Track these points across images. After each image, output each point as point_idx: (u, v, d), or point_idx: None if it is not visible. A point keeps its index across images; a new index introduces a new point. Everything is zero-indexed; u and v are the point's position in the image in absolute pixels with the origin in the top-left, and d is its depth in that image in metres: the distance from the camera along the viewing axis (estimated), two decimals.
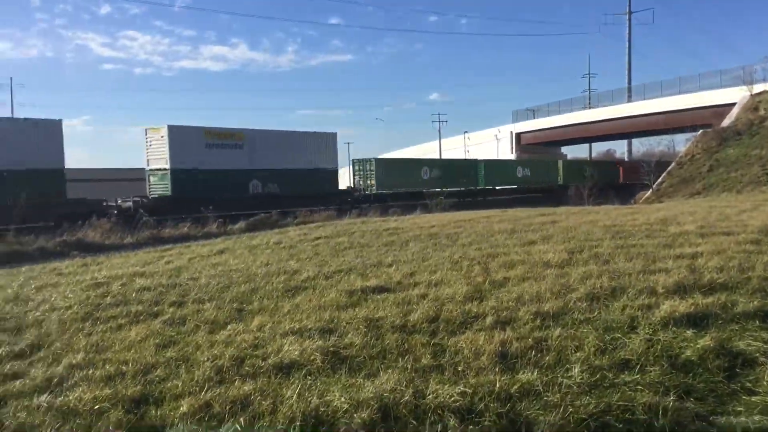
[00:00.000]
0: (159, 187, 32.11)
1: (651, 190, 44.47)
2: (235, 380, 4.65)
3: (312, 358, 5.08)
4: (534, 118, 76.19)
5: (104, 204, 30.23)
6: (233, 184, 33.24)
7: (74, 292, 8.57)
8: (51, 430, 3.90)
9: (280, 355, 5.17)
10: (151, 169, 32.40)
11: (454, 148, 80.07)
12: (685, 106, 54.13)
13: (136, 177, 37.07)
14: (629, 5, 75.51)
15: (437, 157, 71.64)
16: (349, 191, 41.51)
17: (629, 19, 75.61)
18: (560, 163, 59.34)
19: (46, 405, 4.27)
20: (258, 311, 6.88)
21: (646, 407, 4.27)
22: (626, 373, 4.87)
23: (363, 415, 3.99)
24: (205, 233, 25.60)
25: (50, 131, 28.14)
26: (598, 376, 4.79)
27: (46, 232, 23.11)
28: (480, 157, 57.62)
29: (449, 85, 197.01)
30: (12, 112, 68.25)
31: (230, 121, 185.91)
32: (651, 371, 4.90)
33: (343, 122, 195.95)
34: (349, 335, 5.72)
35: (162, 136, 31.29)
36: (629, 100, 65.71)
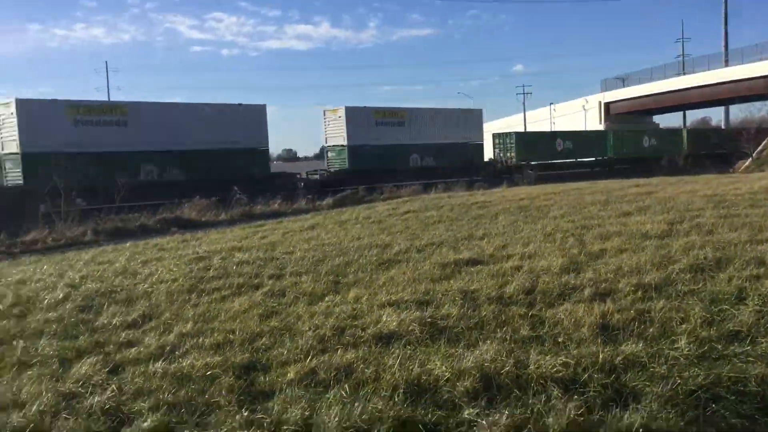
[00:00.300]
0: (337, 162, 35.64)
1: (750, 158, 42.27)
2: (338, 349, 4.77)
3: (410, 328, 5.14)
4: (624, 86, 73.05)
5: (297, 176, 34.72)
6: (397, 157, 35.62)
7: (178, 265, 8.96)
8: (167, 394, 4.12)
9: (378, 326, 5.26)
10: (329, 146, 36.00)
11: (539, 120, 78.19)
12: None
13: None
14: None
15: (522, 129, 70.22)
16: (492, 163, 42.22)
17: None
18: (684, 132, 57.11)
19: (161, 371, 4.51)
20: (353, 284, 7.01)
21: (759, 379, 4.10)
22: (736, 344, 4.69)
23: (465, 383, 4.01)
24: (294, 209, 26.11)
25: (256, 114, 31.64)
26: (706, 347, 4.63)
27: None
28: (564, 129, 56.22)
29: (534, 57, 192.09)
30: (108, 96, 71.31)
31: (316, 98, 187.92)
32: (763, 342, 4.70)
33: (425, 97, 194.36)
34: (446, 307, 5.75)
35: (339, 117, 34.79)
36: (726, 64, 61.88)
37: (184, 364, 4.65)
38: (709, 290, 5.89)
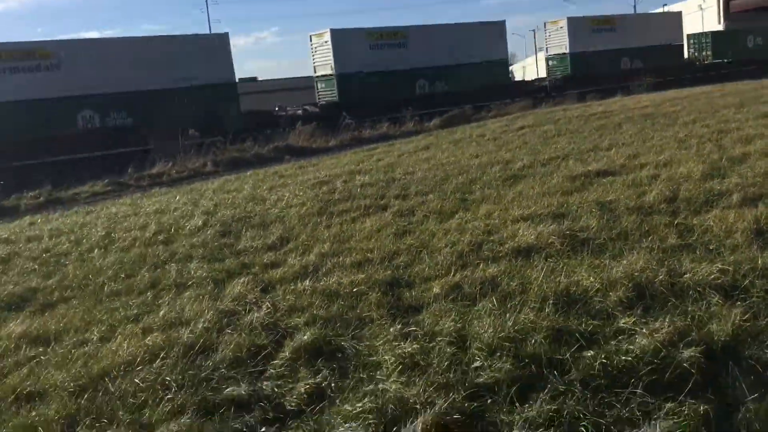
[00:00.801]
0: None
1: None
2: (478, 263, 4.76)
3: (550, 241, 5.04)
4: None
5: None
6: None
7: (303, 190, 9.18)
8: (320, 310, 4.27)
9: (516, 240, 5.19)
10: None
11: None
12: None
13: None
14: None
15: None
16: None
17: None
18: None
19: (310, 289, 4.67)
20: (482, 200, 6.94)
21: None
22: None
23: (618, 293, 3.91)
24: (402, 132, 26.06)
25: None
26: None
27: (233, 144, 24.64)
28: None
29: None
30: (209, 28, 72.81)
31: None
32: None
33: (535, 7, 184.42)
34: (583, 219, 5.60)
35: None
36: None
37: (330, 281, 4.79)
38: None
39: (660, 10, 73.62)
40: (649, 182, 6.65)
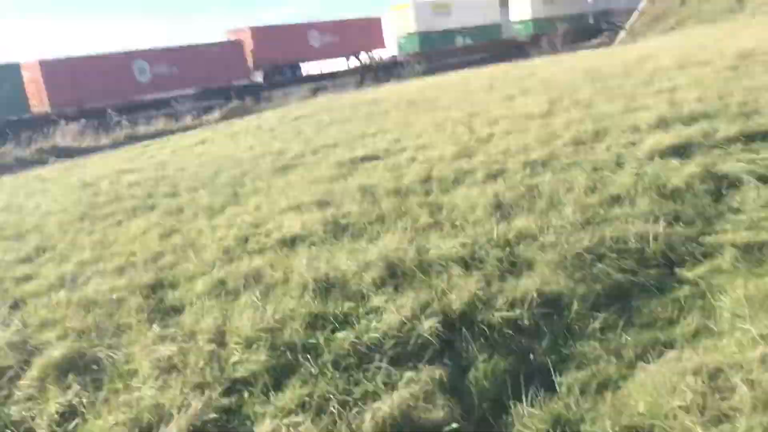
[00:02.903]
0: None
1: (624, 31, 43.63)
2: (243, 257, 4.80)
3: (314, 229, 5.22)
4: None
5: None
6: None
7: (64, 195, 8.60)
8: (74, 321, 4.06)
9: (282, 231, 5.30)
10: None
11: None
12: None
13: None
14: None
15: None
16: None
17: None
18: None
19: (64, 300, 4.42)
20: (253, 192, 6.98)
21: (638, 236, 4.46)
22: (617, 207, 5.05)
23: (372, 274, 4.16)
24: (180, 127, 25.26)
25: None
26: (590, 213, 4.97)
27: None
28: None
29: None
30: None
31: None
32: (641, 202, 5.08)
33: None
34: (346, 204, 5.84)
35: None
36: None
37: (88, 290, 4.56)
38: (590, 160, 6.25)
39: None
40: (408, 164, 7.10)
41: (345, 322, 3.59)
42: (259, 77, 35.08)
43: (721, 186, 5.27)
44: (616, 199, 5.20)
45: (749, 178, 5.26)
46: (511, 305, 3.66)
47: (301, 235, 5.17)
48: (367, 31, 41.63)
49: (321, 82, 33.63)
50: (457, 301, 3.67)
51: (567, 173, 5.96)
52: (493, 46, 43.95)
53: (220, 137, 13.60)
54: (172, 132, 22.61)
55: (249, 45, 33.97)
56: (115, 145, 21.18)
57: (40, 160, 19.98)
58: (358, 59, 40.55)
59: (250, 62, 34.20)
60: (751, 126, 6.56)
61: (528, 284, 3.80)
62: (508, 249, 4.45)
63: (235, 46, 33.59)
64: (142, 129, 24.76)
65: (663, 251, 4.33)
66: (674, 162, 5.78)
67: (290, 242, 5.08)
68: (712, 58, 11.96)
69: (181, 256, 5.10)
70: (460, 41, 43.33)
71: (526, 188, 5.65)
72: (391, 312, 3.56)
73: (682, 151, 6.10)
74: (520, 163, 6.41)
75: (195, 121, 26.11)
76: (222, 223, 5.90)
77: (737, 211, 4.90)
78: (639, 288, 3.92)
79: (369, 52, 41.24)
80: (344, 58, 39.97)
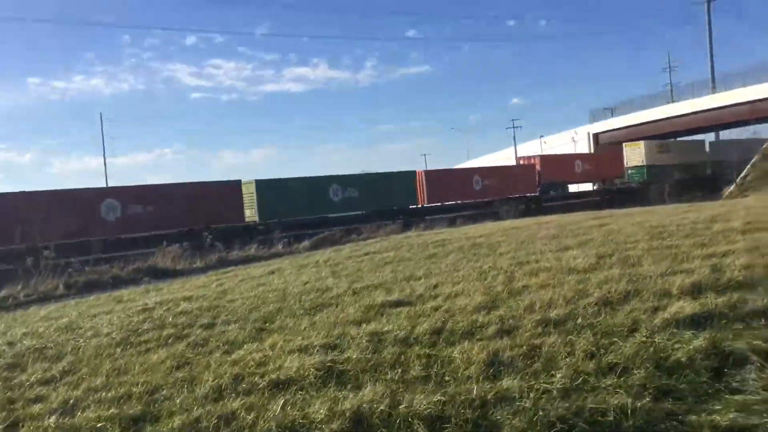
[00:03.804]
0: None
1: (734, 184, 42.65)
2: (228, 398, 4.97)
3: (306, 373, 5.35)
4: (612, 116, 73.81)
5: None
6: None
7: (120, 318, 9.16)
8: None
9: (278, 373, 5.46)
10: None
11: (530, 153, 79.19)
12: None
13: None
14: None
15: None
16: None
17: (708, 8, 72.19)
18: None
19: (53, 425, 4.70)
20: (278, 330, 7.22)
21: (618, 408, 4.34)
22: (611, 376, 4.93)
23: (337, 425, 4.23)
24: (271, 254, 26.33)
25: None
26: (580, 380, 4.88)
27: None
28: None
29: (529, 90, 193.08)
30: (103, 146, 72.46)
31: (310, 139, 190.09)
32: (635, 374, 4.94)
33: (424, 134, 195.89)
34: (351, 350, 5.97)
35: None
36: (713, 90, 62.82)
37: (77, 418, 4.84)
38: (606, 323, 6.14)
39: (537, 140, 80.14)
40: (430, 313, 7.16)
41: None
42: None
43: (727, 364, 5.06)
44: (612, 368, 5.09)
45: (756, 357, 5.04)
46: None
47: (294, 378, 5.31)
48: (614, 162, 56.02)
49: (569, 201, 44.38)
50: None
51: (578, 335, 5.87)
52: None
53: (289, 268, 14.14)
54: (262, 258, 23.67)
55: (537, 168, 50.79)
56: (207, 268, 22.32)
57: (134, 279, 21.38)
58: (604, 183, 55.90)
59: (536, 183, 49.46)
60: None
61: None
62: (480, 411, 4.42)
63: (530, 168, 50.44)
64: (235, 253, 26.09)
65: (640, 427, 4.18)
66: (688, 333, 5.61)
67: (283, 385, 5.22)
68: None
69: (178, 390, 5.33)
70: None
71: (528, 348, 5.61)
72: None
73: (701, 321, 5.91)
74: (536, 321, 6.37)
75: (285, 248, 27.29)
76: (233, 359, 6.13)
77: (736, 391, 4.68)
78: None
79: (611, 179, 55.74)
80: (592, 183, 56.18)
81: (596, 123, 74.39)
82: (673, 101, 67.00)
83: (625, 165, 56.05)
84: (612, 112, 75.34)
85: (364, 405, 4.52)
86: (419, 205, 41.89)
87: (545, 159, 54.18)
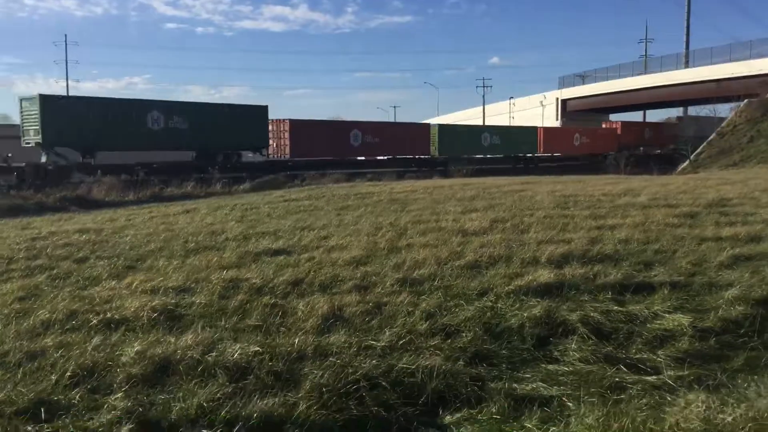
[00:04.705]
0: None
1: (688, 160, 43.33)
2: (55, 334, 4.89)
3: (142, 314, 5.29)
4: (583, 83, 73.72)
5: None
6: None
7: (8, 245, 8.96)
8: None
9: (116, 312, 5.38)
10: None
11: (499, 113, 79.12)
12: (734, 74, 51.65)
13: None
14: None
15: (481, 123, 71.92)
16: None
17: None
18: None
19: None
20: (145, 269, 7.13)
21: (426, 370, 4.39)
22: (436, 338, 4.99)
23: (137, 368, 4.20)
24: (207, 192, 26.01)
25: None
26: (406, 339, 4.93)
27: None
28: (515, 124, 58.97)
29: (510, 49, 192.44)
30: (66, 69, 70.16)
31: (285, 82, 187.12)
32: (463, 336, 5.01)
33: (400, 85, 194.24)
34: (201, 294, 5.91)
35: None
36: (686, 66, 62.95)
37: None
38: (462, 285, 6.20)
39: (507, 102, 79.95)
40: (301, 263, 7.14)
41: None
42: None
43: (555, 333, 5.17)
44: (444, 329, 5.15)
45: (583, 329, 5.15)
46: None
47: (127, 318, 5.25)
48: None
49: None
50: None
51: (428, 296, 5.92)
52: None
53: (205, 209, 13.95)
54: (197, 197, 23.37)
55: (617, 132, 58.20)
56: (139, 202, 21.95)
57: (62, 207, 20.94)
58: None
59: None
60: (639, 276, 6.45)
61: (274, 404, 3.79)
62: (292, 364, 4.44)
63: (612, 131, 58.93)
64: (169, 190, 25.70)
65: (441, 391, 4.24)
66: (533, 301, 5.69)
67: (115, 324, 5.15)
68: (687, 201, 11.82)
69: (5, 322, 5.23)
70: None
71: (374, 305, 5.63)
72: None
73: (553, 290, 6.01)
74: (396, 279, 6.40)
75: (224, 189, 26.96)
76: (80, 295, 6.02)
77: (554, 360, 4.78)
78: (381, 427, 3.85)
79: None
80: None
81: (565, 89, 74.29)
82: (646, 72, 67.06)
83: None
84: (583, 79, 75.27)
85: (178, 351, 4.48)
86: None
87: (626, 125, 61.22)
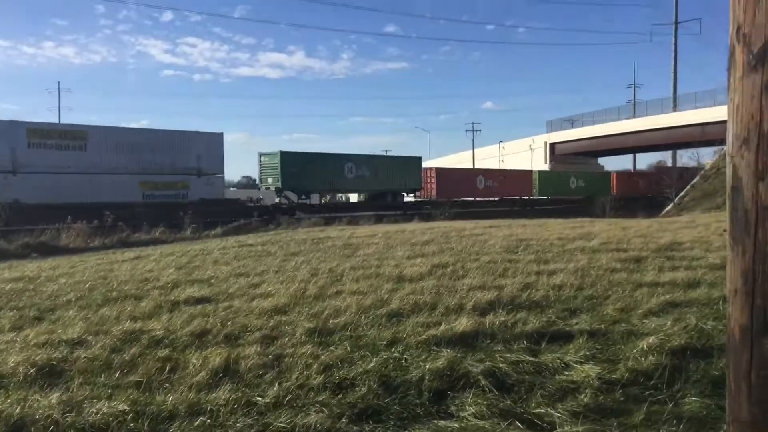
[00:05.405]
0: None
1: (672, 203, 43.50)
2: None
3: (20, 370, 4.99)
4: (571, 127, 74.58)
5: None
6: None
7: None
8: None
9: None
10: None
11: (489, 157, 79.84)
12: (717, 119, 52.32)
13: None
14: (676, 15, 73.01)
15: (470, 166, 72.97)
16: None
17: (675, 29, 72.65)
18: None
19: None
20: (50, 321, 6.83)
21: (304, 428, 4.11)
22: (327, 392, 4.71)
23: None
24: (177, 238, 25.61)
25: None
26: (294, 394, 4.65)
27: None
28: (513, 167, 59.79)
29: (502, 95, 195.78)
30: (59, 117, 70.29)
31: (282, 127, 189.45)
32: (357, 391, 4.73)
33: (393, 130, 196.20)
34: (94, 347, 5.62)
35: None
36: (674, 110, 63.72)
37: None
38: (373, 336, 5.94)
39: (496, 146, 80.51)
40: (215, 313, 6.86)
41: None
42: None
43: (456, 386, 4.90)
44: (339, 384, 4.87)
45: (484, 381, 4.89)
46: None
47: (2, 374, 4.95)
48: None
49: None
50: None
51: (336, 347, 5.66)
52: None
53: (156, 255, 13.65)
54: (166, 242, 23.03)
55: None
56: (105, 247, 21.53)
57: (22, 254, 20.49)
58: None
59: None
60: (560, 324, 6.22)
61: None
62: (161, 424, 4.15)
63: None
64: (137, 235, 25.30)
65: None
66: (443, 352, 5.43)
67: None
68: (639, 245, 11.68)
69: None
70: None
71: (273, 357, 5.37)
72: None
73: (466, 340, 5.76)
74: (308, 329, 6.13)
75: (195, 234, 26.60)
76: None
77: (449, 416, 4.51)
78: None
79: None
80: None
81: (554, 133, 75.04)
82: (635, 116, 67.92)
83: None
84: (572, 123, 76.12)
85: (39, 410, 4.18)
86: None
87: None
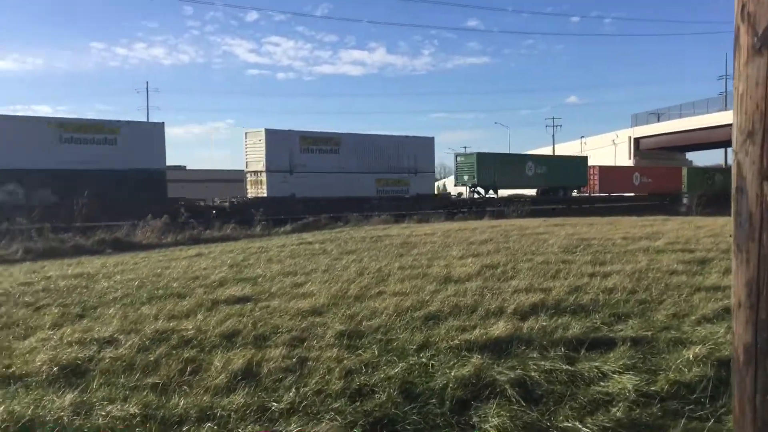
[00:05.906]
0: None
1: None
2: None
3: (47, 369, 5.03)
4: (657, 121, 71.39)
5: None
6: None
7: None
8: None
9: (23, 366, 5.13)
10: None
11: (570, 152, 78.15)
12: None
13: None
14: None
15: None
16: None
17: None
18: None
19: None
20: (91, 317, 6.92)
21: None
22: (345, 399, 4.53)
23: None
24: (247, 234, 25.98)
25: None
26: (310, 400, 4.50)
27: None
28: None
29: (587, 88, 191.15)
30: (147, 116, 73.32)
31: (363, 124, 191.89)
32: (376, 399, 4.54)
33: (473, 125, 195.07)
34: (123, 347, 5.62)
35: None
36: None
37: None
38: (405, 339, 5.74)
39: (578, 141, 78.29)
40: (252, 313, 6.80)
41: None
42: None
43: (480, 396, 4.63)
44: (359, 390, 4.69)
45: (511, 391, 4.61)
46: None
47: (29, 373, 4.99)
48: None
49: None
50: None
51: (364, 351, 5.48)
52: None
53: (216, 253, 13.82)
54: (235, 239, 23.40)
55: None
56: (176, 244, 22.05)
57: (98, 250, 21.23)
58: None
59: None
60: (603, 330, 5.84)
61: None
62: (171, 428, 4.07)
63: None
64: (207, 232, 25.82)
65: None
66: (473, 358, 5.17)
67: (8, 380, 4.90)
68: (705, 245, 10.98)
69: None
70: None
71: (298, 360, 5.23)
72: None
73: (504, 346, 5.48)
74: (338, 332, 5.98)
75: (264, 231, 26.92)
76: (3, 346, 5.84)
77: (470, 427, 4.26)
78: None
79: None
80: None
81: (638, 127, 72.13)
82: (724, 109, 64.63)
83: None
84: (657, 117, 73.00)
85: (51, 411, 4.18)
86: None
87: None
